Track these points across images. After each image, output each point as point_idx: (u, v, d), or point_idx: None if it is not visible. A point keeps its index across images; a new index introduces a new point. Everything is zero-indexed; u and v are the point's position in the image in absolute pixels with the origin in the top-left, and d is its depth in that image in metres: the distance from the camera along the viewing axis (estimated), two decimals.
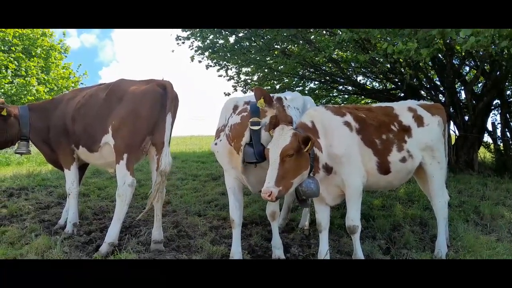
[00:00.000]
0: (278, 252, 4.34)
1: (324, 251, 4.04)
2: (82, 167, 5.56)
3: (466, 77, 11.96)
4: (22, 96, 17.46)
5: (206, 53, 11.44)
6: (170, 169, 4.46)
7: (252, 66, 12.03)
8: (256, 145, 3.78)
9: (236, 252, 4.14)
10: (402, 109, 4.54)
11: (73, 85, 20.43)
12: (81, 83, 20.96)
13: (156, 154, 4.66)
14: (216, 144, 4.24)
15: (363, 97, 13.91)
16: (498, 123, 11.61)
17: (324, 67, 12.28)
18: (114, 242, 4.37)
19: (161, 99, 4.59)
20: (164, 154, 4.42)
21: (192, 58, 11.63)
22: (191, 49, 11.39)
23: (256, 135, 3.79)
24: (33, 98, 17.92)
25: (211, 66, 11.89)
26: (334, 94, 14.34)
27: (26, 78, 17.65)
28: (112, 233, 4.39)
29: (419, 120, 4.49)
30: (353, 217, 3.98)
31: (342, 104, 9.46)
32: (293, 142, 3.49)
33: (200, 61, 11.76)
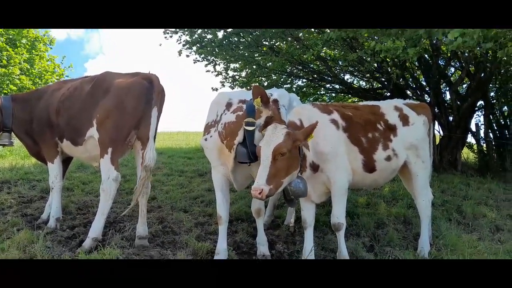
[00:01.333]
0: (263, 248, 4.35)
1: (309, 248, 4.06)
2: (66, 160, 5.48)
3: (451, 78, 12.14)
4: (5, 86, 17.09)
5: (194, 48, 11.35)
6: (154, 164, 4.42)
7: (240, 62, 12.00)
8: (250, 145, 3.75)
9: (222, 249, 4.12)
10: (388, 108, 4.59)
11: (57, 77, 20.06)
12: (66, 76, 20.62)
13: (142, 149, 4.59)
14: (206, 139, 4.20)
15: (350, 95, 13.99)
16: (482, 124, 11.84)
17: (312, 65, 12.31)
18: (97, 237, 4.31)
19: (147, 92, 4.52)
20: (149, 149, 4.37)
21: (180, 53, 11.54)
22: (178, 43, 11.29)
23: (250, 136, 3.75)
24: (16, 88, 17.57)
25: (198, 61, 11.80)
26: (322, 92, 14.40)
27: (8, 67, 17.27)
28: (96, 228, 4.34)
29: (405, 119, 4.54)
30: (338, 215, 4.01)
31: (329, 102, 9.52)
32: (286, 140, 3.45)
33: (187, 56, 11.67)
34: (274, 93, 4.34)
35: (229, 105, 4.17)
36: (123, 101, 4.45)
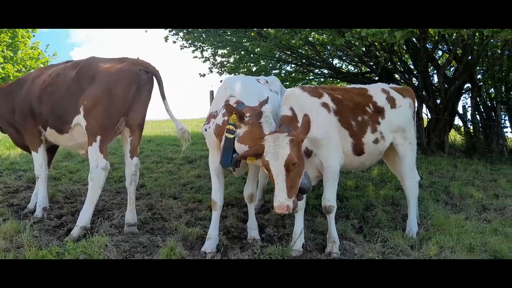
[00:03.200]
0: (253, 232, 4.36)
1: (299, 231, 4.07)
2: (51, 149, 5.39)
3: (439, 61, 12.19)
4: None
5: (181, 34, 11.20)
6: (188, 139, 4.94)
7: (228, 48, 11.88)
8: (226, 152, 3.74)
9: (213, 234, 4.09)
10: (376, 90, 4.60)
11: (42, 65, 19.70)
12: (50, 64, 20.24)
13: (130, 136, 4.54)
14: (205, 130, 4.25)
15: (338, 80, 13.99)
16: (469, 107, 11.95)
17: (300, 50, 12.25)
18: (86, 225, 4.24)
19: (137, 78, 4.44)
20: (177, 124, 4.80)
21: (166, 39, 11.38)
22: (165, 29, 11.12)
23: (228, 143, 3.73)
24: (0, 75, 17.22)
25: (185, 47, 11.66)
26: (311, 78, 14.35)
27: None
28: (84, 217, 4.26)
29: (392, 102, 4.55)
30: (330, 198, 4.01)
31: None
32: (293, 148, 3.37)
33: (174, 42, 11.51)
34: (268, 79, 4.35)
35: (227, 101, 4.10)
36: (113, 87, 4.32)
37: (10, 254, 3.61)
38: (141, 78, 4.46)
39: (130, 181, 4.54)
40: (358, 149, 4.23)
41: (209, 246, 3.99)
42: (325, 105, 4.08)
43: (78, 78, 4.53)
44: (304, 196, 4.15)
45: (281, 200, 3.27)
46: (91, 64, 4.61)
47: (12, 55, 18.07)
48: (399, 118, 4.54)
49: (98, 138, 4.29)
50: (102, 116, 4.30)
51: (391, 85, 4.97)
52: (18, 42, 18.52)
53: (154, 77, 4.67)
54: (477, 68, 11.40)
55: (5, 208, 5.16)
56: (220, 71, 12.37)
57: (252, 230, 4.39)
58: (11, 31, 17.97)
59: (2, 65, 17.20)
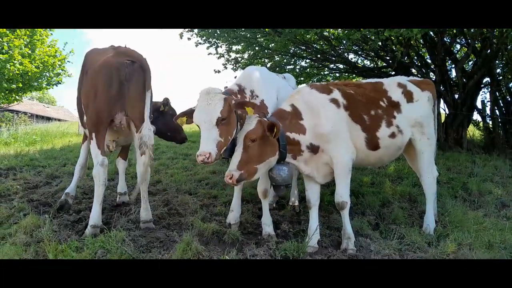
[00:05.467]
0: (268, 228, 4.37)
1: (314, 227, 4.07)
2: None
3: (457, 55, 11.95)
4: (6, 71, 17.04)
5: (195, 30, 11.23)
6: (152, 145, 4.15)
7: (242, 43, 11.87)
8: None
9: (236, 205, 4.64)
10: (392, 84, 4.52)
11: (59, 63, 19.99)
12: (67, 61, 20.51)
13: (136, 131, 4.34)
14: None
15: (354, 75, 13.85)
16: (488, 101, 11.68)
17: (315, 45, 12.16)
18: (96, 224, 4.22)
19: (118, 72, 4.21)
20: (144, 128, 4.13)
21: (181, 36, 11.44)
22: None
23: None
24: (18, 71, 17.54)
25: (200, 43, 11.69)
26: (325, 73, 14.25)
27: (9, 52, 17.18)
28: (93, 215, 4.25)
29: (409, 96, 4.48)
30: (342, 193, 4.00)
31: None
32: (256, 128, 3.62)
33: (189, 38, 11.57)
34: (286, 75, 4.37)
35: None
36: (96, 83, 4.25)
37: (31, 248, 3.69)
38: (123, 70, 4.23)
39: (141, 179, 4.43)
40: (373, 144, 4.18)
41: (233, 217, 4.56)
42: (334, 100, 4.06)
43: (82, 74, 4.62)
44: (317, 191, 4.18)
45: (230, 168, 3.55)
46: (87, 58, 4.63)
47: (30, 52, 18.34)
48: (416, 112, 4.46)
49: (93, 135, 4.28)
50: (91, 113, 4.29)
51: (411, 77, 4.88)
52: (36, 41, 18.79)
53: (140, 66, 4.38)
54: (496, 62, 11.13)
55: (25, 203, 5.27)
56: (234, 67, 12.38)
57: (267, 226, 4.40)
58: (29, 31, 18.31)
59: (20, 61, 17.50)
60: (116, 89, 4.21)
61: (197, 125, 3.71)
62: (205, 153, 3.43)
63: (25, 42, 18.13)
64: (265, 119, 3.75)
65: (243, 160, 3.57)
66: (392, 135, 4.26)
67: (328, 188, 6.06)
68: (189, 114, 3.84)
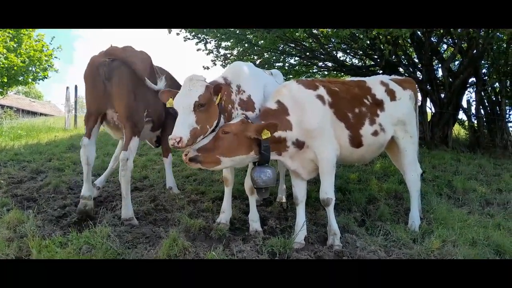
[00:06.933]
0: (255, 224, 4.38)
1: (300, 223, 4.09)
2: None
3: (444, 55, 12.10)
4: None
5: None
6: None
7: (231, 40, 11.82)
8: None
9: (227, 207, 4.52)
10: (375, 83, 4.57)
11: (46, 58, 19.64)
12: (54, 57, 20.17)
13: (122, 128, 4.56)
14: None
15: (342, 73, 13.91)
16: (473, 101, 11.88)
17: (304, 43, 12.17)
18: (84, 195, 4.50)
19: (97, 71, 4.37)
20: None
21: (170, 30, 11.32)
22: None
23: None
24: (3, 65, 17.21)
25: (189, 38, 11.61)
26: (314, 71, 14.29)
27: None
28: (83, 188, 4.54)
29: (392, 94, 4.53)
30: (327, 190, 4.02)
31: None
32: (236, 124, 3.69)
33: (178, 34, 11.46)
34: (273, 71, 4.39)
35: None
36: (85, 82, 4.56)
37: (14, 244, 3.62)
38: (101, 69, 4.35)
39: (120, 176, 4.53)
40: (356, 141, 4.21)
41: (224, 218, 4.46)
42: (320, 97, 4.07)
43: None
44: (304, 187, 4.20)
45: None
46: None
47: (15, 46, 17.99)
48: (399, 111, 4.52)
49: (85, 127, 4.64)
50: (87, 108, 4.64)
51: (392, 76, 4.92)
52: (22, 35, 18.42)
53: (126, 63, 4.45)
54: (482, 62, 11.32)
55: (9, 198, 5.18)
56: (223, 64, 12.33)
57: (254, 222, 4.40)
58: None
59: (5, 55, 17.17)
60: (100, 87, 4.41)
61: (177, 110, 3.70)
62: (176, 137, 3.43)
63: (10, 36, 17.76)
64: (249, 120, 3.75)
65: (208, 146, 3.57)
66: (375, 133, 4.30)
67: (316, 185, 6.07)
68: (174, 95, 3.82)
